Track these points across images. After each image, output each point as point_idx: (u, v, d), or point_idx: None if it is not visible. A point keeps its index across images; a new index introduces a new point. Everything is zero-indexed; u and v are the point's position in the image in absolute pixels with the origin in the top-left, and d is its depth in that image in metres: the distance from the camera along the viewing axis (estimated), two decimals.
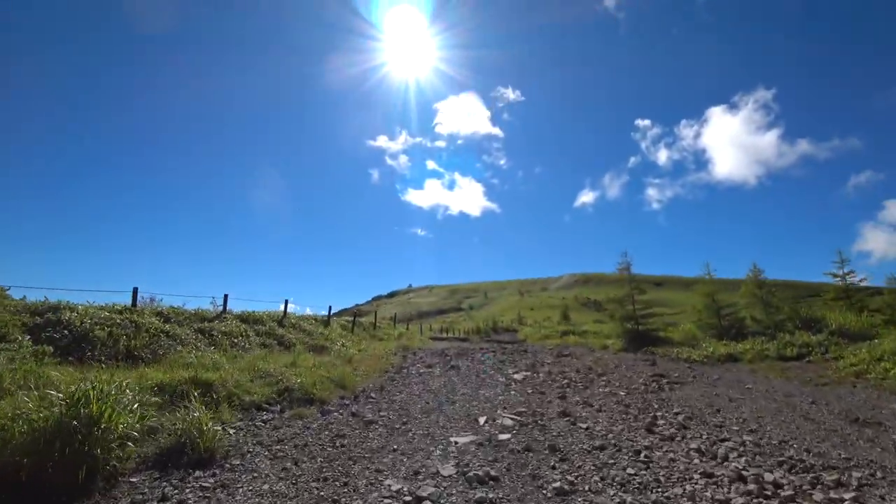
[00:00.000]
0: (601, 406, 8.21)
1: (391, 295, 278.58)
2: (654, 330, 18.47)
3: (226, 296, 14.79)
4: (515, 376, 11.50)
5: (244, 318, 14.94)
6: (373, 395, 9.17)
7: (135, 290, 12.02)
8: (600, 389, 9.90)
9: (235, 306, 18.10)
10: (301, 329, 16.73)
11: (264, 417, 7.22)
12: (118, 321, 10.45)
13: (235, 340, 12.59)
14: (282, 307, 18.19)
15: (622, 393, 9.51)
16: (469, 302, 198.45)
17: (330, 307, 20.48)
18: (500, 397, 8.97)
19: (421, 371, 12.54)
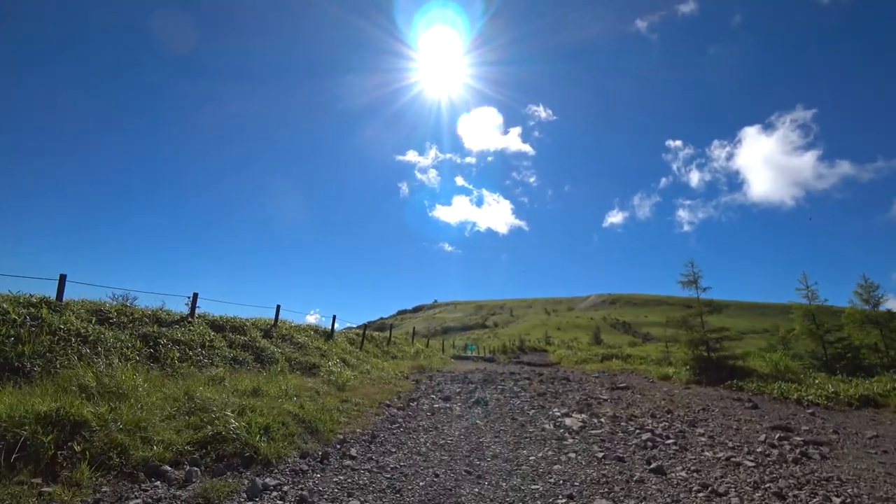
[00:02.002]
0: (739, 496, 4.71)
1: (416, 309, 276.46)
2: (728, 357, 14.70)
3: (195, 295, 11.78)
4: (567, 422, 8.04)
5: (218, 325, 11.90)
6: (354, 451, 5.87)
7: (62, 278, 9.08)
8: (708, 453, 6.37)
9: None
10: (293, 342, 13.61)
11: (141, 501, 4.01)
12: (14, 317, 7.47)
13: (191, 352, 9.49)
14: (284, 315, 15.16)
15: (748, 462, 5.96)
16: (494, 319, 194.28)
17: (334, 317, 17.35)
18: (555, 466, 5.55)
19: (435, 406, 9.19)
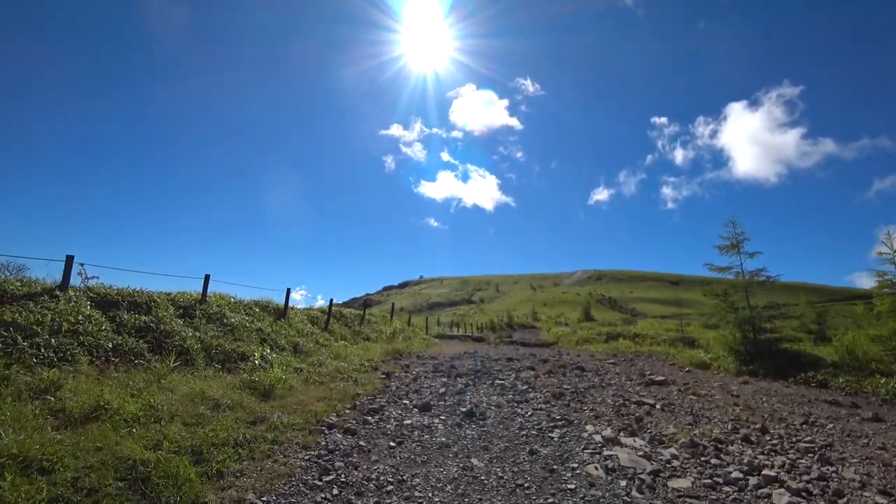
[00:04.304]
0: None
1: (402, 285, 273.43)
2: (779, 340, 11.70)
3: (69, 258, 8.29)
4: (622, 457, 4.84)
5: (108, 301, 8.44)
6: None
7: None
8: None
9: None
10: (223, 323, 10.20)
11: None
12: None
13: (26, 342, 6.08)
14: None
15: None
16: (480, 294, 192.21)
17: (288, 290, 13.84)
18: None
19: (406, 423, 5.92)
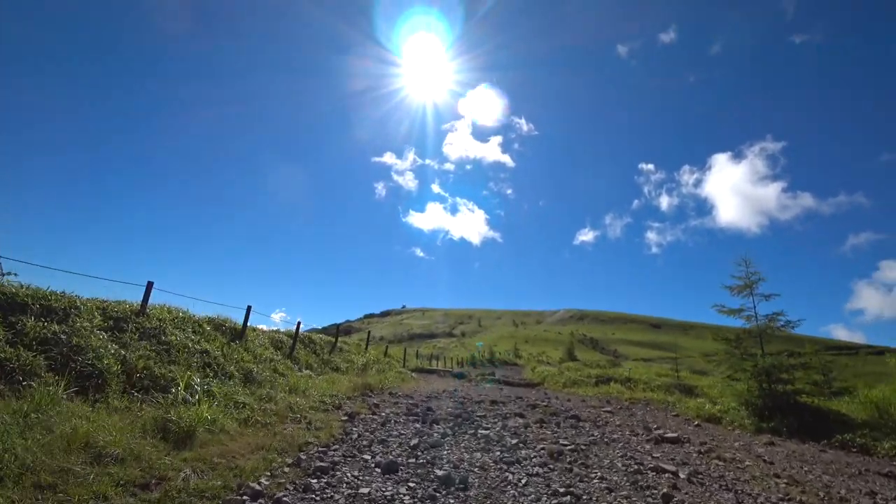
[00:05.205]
0: None
1: (384, 314, 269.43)
2: (797, 392, 10.37)
3: None
4: None
5: (13, 303, 6.89)
6: None
7: None
8: None
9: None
10: (160, 341, 8.56)
11: None
12: None
13: None
14: (163, 299, 10.05)
15: None
16: (462, 328, 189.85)
17: (249, 308, 12.21)
18: None
19: (362, 492, 4.37)
